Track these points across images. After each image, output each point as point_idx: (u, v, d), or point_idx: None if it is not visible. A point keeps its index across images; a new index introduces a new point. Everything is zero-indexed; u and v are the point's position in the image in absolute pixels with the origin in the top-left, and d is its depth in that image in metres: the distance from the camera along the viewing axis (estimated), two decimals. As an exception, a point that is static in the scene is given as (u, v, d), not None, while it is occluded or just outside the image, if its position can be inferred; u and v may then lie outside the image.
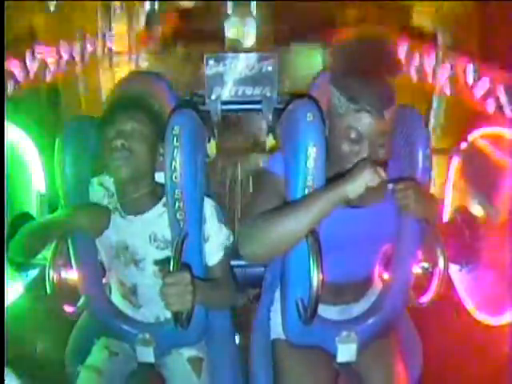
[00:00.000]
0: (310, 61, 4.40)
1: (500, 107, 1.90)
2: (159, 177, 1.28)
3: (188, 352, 1.35)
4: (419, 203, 1.12)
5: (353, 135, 1.09)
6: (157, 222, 1.26)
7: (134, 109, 1.24)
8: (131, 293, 1.34)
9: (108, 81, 3.65)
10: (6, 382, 1.16)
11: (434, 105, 2.77)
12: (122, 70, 3.86)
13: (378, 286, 1.38)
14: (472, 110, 2.20)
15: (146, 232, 1.27)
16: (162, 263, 1.27)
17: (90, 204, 1.29)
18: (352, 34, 1.14)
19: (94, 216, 1.25)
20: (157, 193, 1.28)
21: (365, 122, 1.07)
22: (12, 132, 1.63)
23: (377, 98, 1.06)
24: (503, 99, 1.88)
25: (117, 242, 1.29)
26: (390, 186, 1.10)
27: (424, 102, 2.82)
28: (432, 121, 2.75)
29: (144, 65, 4.55)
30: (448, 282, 1.59)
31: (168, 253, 1.24)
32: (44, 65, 2.65)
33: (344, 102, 1.08)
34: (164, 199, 1.26)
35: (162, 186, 1.26)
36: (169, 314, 1.15)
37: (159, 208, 1.27)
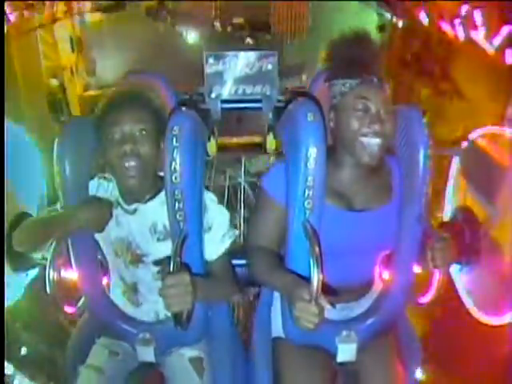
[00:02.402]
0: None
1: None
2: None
3: (190, 352, 1.35)
4: (446, 262, 1.20)
5: (360, 105, 1.17)
6: (158, 211, 1.26)
7: (138, 108, 1.21)
8: (132, 291, 1.35)
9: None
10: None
11: None
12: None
13: (378, 285, 1.38)
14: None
15: (147, 224, 1.27)
16: (162, 263, 1.27)
17: (92, 197, 1.28)
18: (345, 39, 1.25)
19: (96, 208, 1.24)
20: (159, 184, 1.27)
21: (368, 89, 1.17)
22: (12, 131, 1.63)
23: (372, 71, 1.20)
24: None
25: (119, 239, 1.29)
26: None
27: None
28: None
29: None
30: (448, 281, 1.59)
31: (168, 244, 1.24)
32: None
33: (348, 82, 1.19)
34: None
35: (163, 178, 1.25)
36: (168, 312, 1.15)
37: (161, 197, 1.26)
